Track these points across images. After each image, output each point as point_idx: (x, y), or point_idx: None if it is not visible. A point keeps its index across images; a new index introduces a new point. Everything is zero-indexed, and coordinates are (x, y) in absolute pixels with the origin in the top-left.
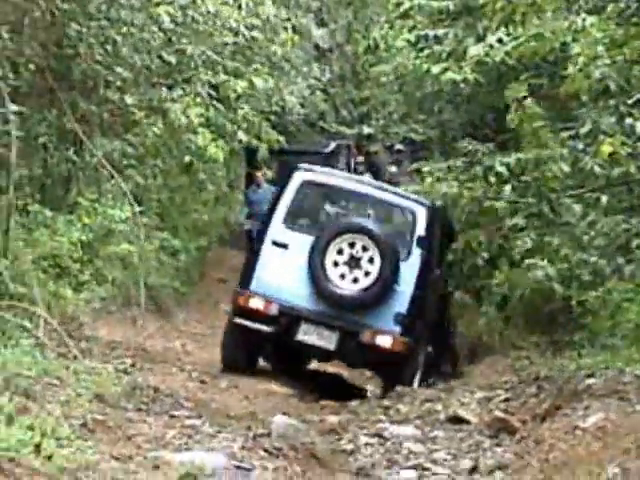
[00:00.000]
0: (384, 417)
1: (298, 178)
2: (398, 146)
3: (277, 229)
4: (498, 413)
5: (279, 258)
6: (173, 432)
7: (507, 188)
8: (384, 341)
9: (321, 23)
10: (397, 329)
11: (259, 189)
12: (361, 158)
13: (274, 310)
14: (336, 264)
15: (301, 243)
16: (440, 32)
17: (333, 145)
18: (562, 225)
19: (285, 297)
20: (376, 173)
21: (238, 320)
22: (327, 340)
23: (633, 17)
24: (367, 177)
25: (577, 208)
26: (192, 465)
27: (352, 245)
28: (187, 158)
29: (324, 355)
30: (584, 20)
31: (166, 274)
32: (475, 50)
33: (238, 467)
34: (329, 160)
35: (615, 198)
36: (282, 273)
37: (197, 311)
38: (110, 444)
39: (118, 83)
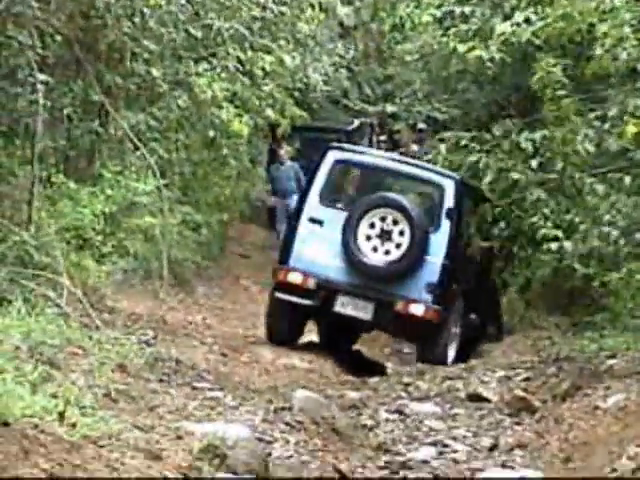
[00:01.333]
0: (404, 394)
1: (331, 157)
2: (421, 125)
3: (313, 206)
4: (518, 392)
5: (315, 234)
6: (195, 404)
7: (533, 163)
8: (417, 310)
9: (347, 1)
10: (429, 298)
11: (282, 166)
12: (384, 137)
13: (312, 284)
14: (369, 238)
15: (335, 219)
16: (467, 10)
17: (356, 123)
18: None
19: (322, 271)
20: (398, 151)
21: (278, 294)
22: (363, 311)
23: None
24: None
25: (600, 188)
26: (214, 436)
27: (383, 219)
28: (211, 133)
29: (362, 325)
30: (612, 1)
31: (188, 248)
32: (503, 28)
33: (260, 439)
34: (352, 138)
35: (638, 179)
36: (318, 248)
37: (218, 286)
38: (133, 414)
39: (145, 55)
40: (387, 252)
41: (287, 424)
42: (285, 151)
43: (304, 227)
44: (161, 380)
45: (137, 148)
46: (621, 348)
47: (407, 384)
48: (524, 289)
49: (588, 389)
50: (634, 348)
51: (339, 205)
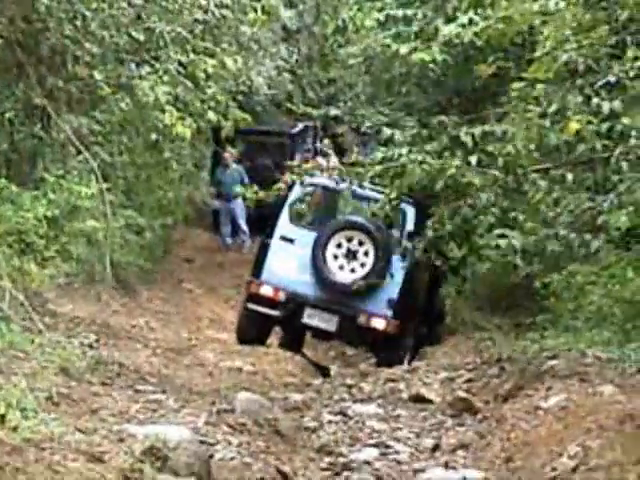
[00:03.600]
0: (348, 396)
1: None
2: (364, 128)
3: (284, 226)
4: (461, 393)
5: (286, 251)
6: (137, 406)
7: (472, 159)
8: (378, 323)
9: (290, 4)
10: (389, 313)
11: (227, 169)
12: (327, 140)
13: (282, 297)
14: (335, 257)
15: (305, 238)
16: (409, 12)
17: (300, 126)
18: (527, 198)
19: (292, 285)
20: (342, 154)
21: (251, 305)
22: (328, 323)
23: (600, 2)
24: (333, 159)
25: (542, 184)
26: (156, 438)
27: (350, 240)
28: (153, 136)
29: (326, 336)
30: (557, 4)
31: (131, 252)
32: (447, 29)
33: (202, 441)
34: (295, 141)
35: (580, 176)
36: (289, 264)
37: (162, 289)
38: (75, 417)
39: (87, 59)
40: (353, 270)
41: (230, 426)
42: (230, 154)
43: (276, 244)
44: (104, 383)
45: (80, 152)
46: (562, 348)
47: (350, 386)
48: (459, 288)
49: (530, 389)
50: (575, 348)
51: (309, 225)
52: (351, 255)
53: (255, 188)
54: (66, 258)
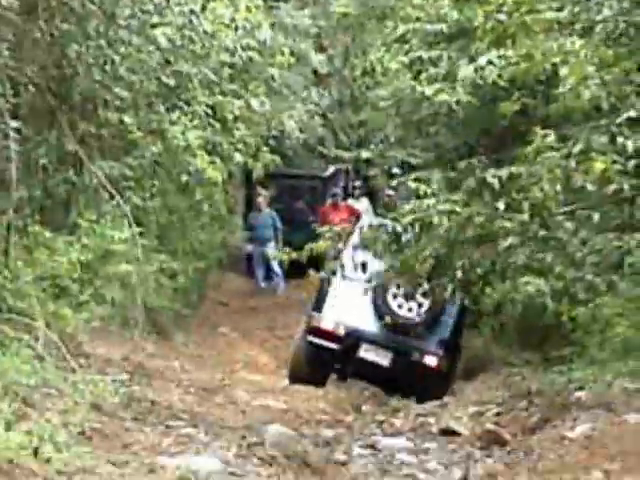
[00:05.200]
0: (378, 430)
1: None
2: (395, 170)
3: (347, 265)
4: (489, 426)
5: (347, 289)
6: (169, 440)
7: (500, 205)
8: (431, 360)
9: (320, 48)
10: (441, 351)
11: (260, 213)
12: (359, 182)
13: (342, 331)
14: (395, 296)
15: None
16: (434, 54)
17: (331, 169)
18: (554, 240)
19: (350, 321)
20: (374, 196)
21: (311, 338)
22: (383, 357)
23: (621, 37)
24: (364, 200)
25: (569, 225)
26: (187, 469)
27: None
28: (184, 178)
29: (379, 371)
30: (573, 43)
31: (165, 296)
32: (465, 71)
33: (232, 473)
34: (327, 184)
35: (606, 216)
36: (349, 302)
37: (196, 333)
38: (107, 451)
39: (117, 103)
40: (410, 310)
41: (259, 458)
42: (263, 198)
43: (337, 282)
44: (136, 419)
45: (112, 197)
46: (589, 380)
47: (381, 421)
48: (493, 328)
49: (557, 420)
50: (601, 379)
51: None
52: (410, 295)
53: (287, 250)
54: (100, 302)
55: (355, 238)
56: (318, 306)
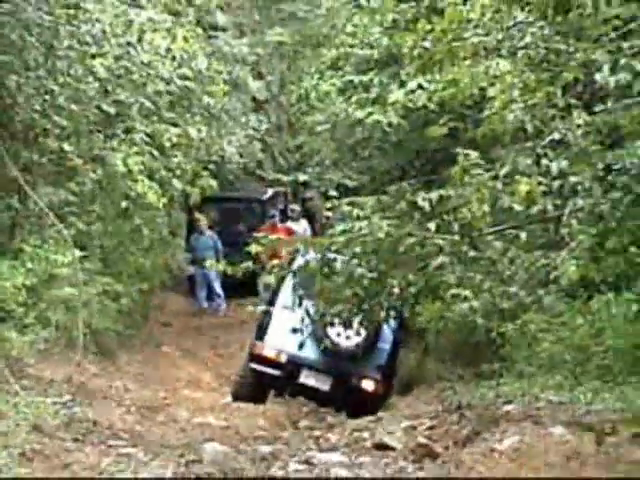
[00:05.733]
0: (314, 446)
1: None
2: (331, 192)
3: (286, 296)
4: (422, 440)
5: (287, 318)
6: (108, 460)
7: (431, 226)
8: (368, 385)
9: (258, 76)
10: (378, 376)
11: (201, 236)
12: (296, 205)
13: (283, 358)
14: (332, 324)
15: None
16: (365, 79)
17: (270, 192)
18: (484, 260)
19: (291, 348)
20: (311, 218)
21: (254, 365)
22: (323, 382)
23: (542, 63)
24: (303, 221)
25: (498, 244)
26: None
27: None
28: (124, 203)
29: (319, 395)
30: (497, 64)
31: (109, 318)
32: (396, 95)
33: None
34: (266, 207)
35: (533, 234)
36: (290, 330)
37: (140, 353)
38: (46, 472)
39: (56, 132)
40: (348, 337)
41: (197, 477)
42: (203, 221)
43: (278, 312)
44: (76, 439)
45: (54, 223)
46: (517, 394)
47: (317, 437)
48: (426, 346)
49: (486, 434)
50: (529, 393)
51: (308, 296)
52: (348, 323)
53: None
54: (45, 325)
55: (295, 266)
56: (260, 335)
